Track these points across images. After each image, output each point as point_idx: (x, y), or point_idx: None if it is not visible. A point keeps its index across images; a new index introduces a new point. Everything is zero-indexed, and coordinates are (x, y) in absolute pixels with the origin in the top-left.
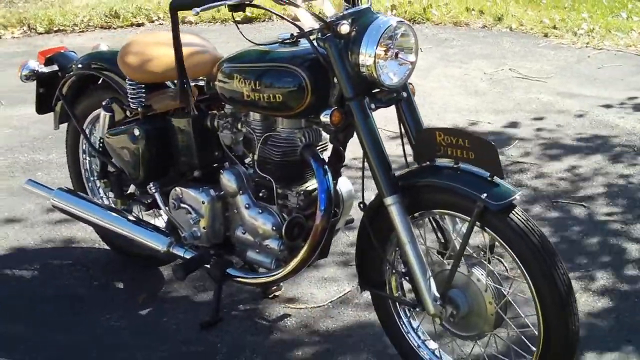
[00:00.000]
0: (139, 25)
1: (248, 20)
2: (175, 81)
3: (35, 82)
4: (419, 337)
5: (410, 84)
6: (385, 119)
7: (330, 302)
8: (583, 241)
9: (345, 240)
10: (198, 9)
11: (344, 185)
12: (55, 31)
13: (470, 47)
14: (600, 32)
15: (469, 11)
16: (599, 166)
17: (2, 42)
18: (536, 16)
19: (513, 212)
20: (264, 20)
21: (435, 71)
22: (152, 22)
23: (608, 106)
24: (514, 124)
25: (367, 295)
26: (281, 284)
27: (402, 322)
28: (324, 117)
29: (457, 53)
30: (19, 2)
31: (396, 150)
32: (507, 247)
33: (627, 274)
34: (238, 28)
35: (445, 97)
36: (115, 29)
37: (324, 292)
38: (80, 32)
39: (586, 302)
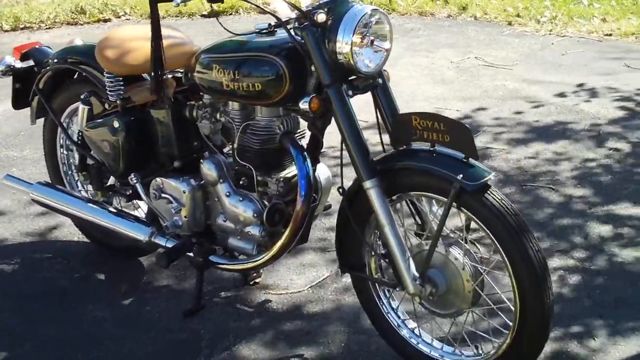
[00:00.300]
0: (105, 21)
1: (215, 14)
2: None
3: (11, 77)
4: (399, 317)
5: (385, 70)
6: (358, 109)
7: (310, 287)
8: (552, 222)
9: (322, 227)
10: (179, 1)
11: (322, 171)
12: (22, 28)
13: (436, 37)
14: (563, 19)
15: (433, 1)
16: (566, 150)
17: None
18: (500, 5)
19: (488, 192)
20: (230, 14)
21: (403, 60)
22: (119, 17)
23: (573, 92)
24: (481, 111)
25: (345, 279)
26: (261, 271)
27: (382, 303)
28: (303, 105)
29: (424, 42)
30: None
31: (372, 138)
32: (483, 226)
33: (596, 254)
34: (217, 20)
35: (413, 86)
36: (82, 24)
37: (303, 277)
38: (47, 29)
39: (558, 281)
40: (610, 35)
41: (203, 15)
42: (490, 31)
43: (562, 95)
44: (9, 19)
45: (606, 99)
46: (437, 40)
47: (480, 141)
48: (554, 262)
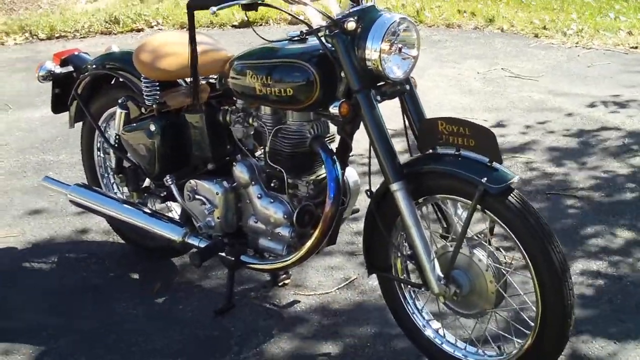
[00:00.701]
0: (138, 30)
1: (245, 25)
2: (188, 79)
3: (50, 83)
4: (424, 318)
5: (412, 77)
6: (387, 117)
7: (337, 288)
8: (576, 229)
9: (350, 231)
10: (215, 8)
11: (351, 175)
12: (57, 37)
13: (463, 48)
14: (589, 32)
15: (460, 13)
16: (590, 160)
17: (5, 49)
18: (526, 17)
19: (511, 195)
20: (261, 24)
21: (430, 71)
22: (152, 27)
23: (598, 103)
24: (507, 121)
25: (372, 282)
26: (290, 272)
27: (407, 303)
28: (333, 109)
29: (451, 54)
30: (19, 9)
31: (400, 145)
32: (506, 228)
33: (618, 260)
34: (252, 27)
35: (440, 96)
36: (115, 34)
37: (331, 279)
38: (81, 37)
39: (581, 286)
40: (636, 47)
41: (234, 26)
42: (517, 43)
43: (587, 106)
44: (44, 27)
45: (631, 111)
46: (464, 51)
47: (506, 150)
48: (577, 267)
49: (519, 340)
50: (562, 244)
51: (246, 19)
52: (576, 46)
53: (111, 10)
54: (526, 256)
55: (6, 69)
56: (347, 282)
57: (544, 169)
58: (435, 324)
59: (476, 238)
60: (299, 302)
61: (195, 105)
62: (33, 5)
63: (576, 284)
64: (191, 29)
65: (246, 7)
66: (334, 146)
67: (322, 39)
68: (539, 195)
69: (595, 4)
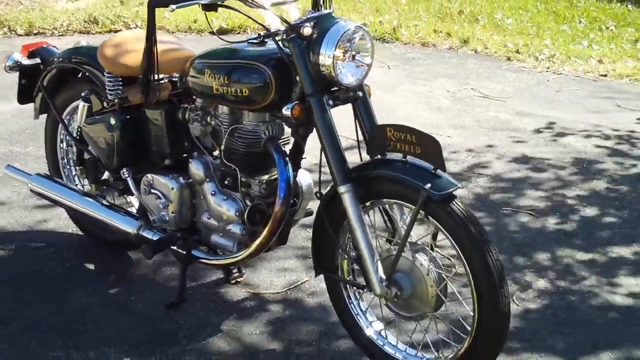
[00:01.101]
0: (116, 31)
1: (223, 32)
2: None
3: (18, 73)
4: (367, 319)
5: (367, 85)
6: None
7: (288, 289)
8: (527, 245)
9: (304, 235)
10: (174, 6)
11: (304, 178)
12: (35, 34)
13: (436, 67)
14: (561, 57)
15: (436, 33)
16: (549, 179)
17: None
18: (501, 41)
19: (453, 202)
20: (238, 32)
21: (402, 87)
22: (129, 28)
23: (562, 126)
24: (471, 138)
25: (322, 284)
26: (243, 271)
27: (352, 304)
28: (286, 111)
29: (424, 72)
30: (0, 4)
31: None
32: (447, 234)
33: (567, 276)
34: (210, 27)
35: (409, 112)
36: (93, 34)
37: (283, 280)
38: (59, 35)
39: (526, 300)
40: (606, 75)
41: (211, 33)
42: (489, 65)
43: (551, 128)
44: (23, 24)
45: (594, 135)
46: (436, 70)
47: (467, 166)
48: (524, 281)
49: (456, 345)
50: (512, 257)
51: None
52: (547, 71)
53: (91, 10)
54: (464, 262)
55: None
56: (298, 283)
57: (502, 186)
58: (378, 326)
59: (419, 243)
60: (250, 300)
61: (149, 102)
62: (14, 1)
63: (522, 298)
64: (150, 26)
65: (206, 8)
66: (288, 148)
67: (279, 42)
68: (494, 210)
69: (570, 32)
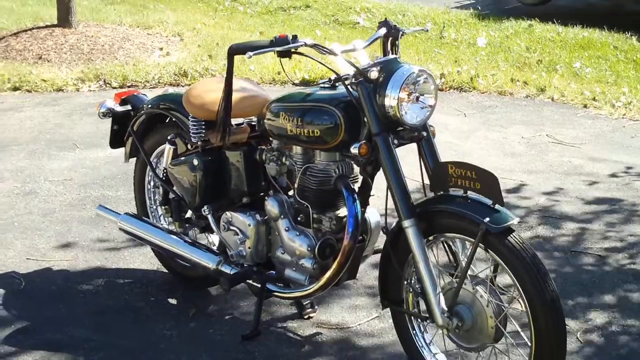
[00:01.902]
0: None
1: (306, 82)
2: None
3: (110, 119)
4: (431, 351)
5: (432, 126)
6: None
7: (359, 324)
8: (595, 286)
9: (374, 274)
10: (251, 53)
11: (373, 215)
12: (129, 86)
13: (512, 114)
14: (638, 105)
15: (514, 82)
16: (618, 223)
17: (79, 95)
18: (578, 88)
19: (511, 235)
20: (317, 83)
21: (477, 134)
22: None
23: (636, 171)
24: (544, 182)
25: (390, 320)
26: (316, 307)
27: (416, 337)
28: (354, 149)
29: (499, 119)
30: (96, 59)
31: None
32: (505, 266)
33: (634, 317)
34: (284, 71)
35: (483, 156)
36: (183, 86)
37: (354, 316)
38: (151, 88)
39: (589, 337)
40: None
41: (294, 84)
42: (565, 112)
43: (624, 173)
44: (118, 77)
45: None
46: (512, 117)
47: (537, 209)
48: (588, 318)
49: None
50: (576, 297)
51: (307, 77)
52: (623, 117)
53: (181, 64)
54: (522, 294)
55: (78, 112)
56: (368, 319)
57: (571, 228)
58: (442, 358)
59: (479, 276)
60: (321, 334)
61: (223, 144)
62: (109, 56)
63: (586, 336)
64: (229, 72)
65: (281, 55)
66: (357, 186)
67: (349, 86)
68: (562, 251)
69: None
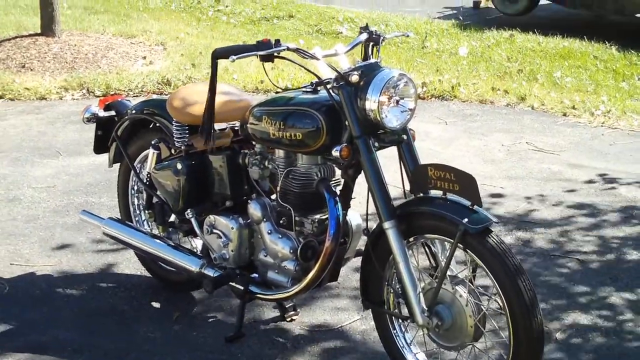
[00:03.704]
0: None
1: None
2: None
3: (94, 125)
4: (412, 351)
5: (412, 129)
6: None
7: (341, 326)
8: (572, 288)
9: (356, 277)
10: (234, 57)
11: (354, 218)
12: (112, 94)
13: (493, 122)
14: (616, 113)
15: (494, 90)
16: (597, 227)
17: (63, 103)
18: (558, 98)
19: (489, 235)
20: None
21: (458, 142)
22: None
23: (614, 177)
24: (523, 188)
25: (372, 322)
26: (298, 310)
27: (397, 337)
28: (335, 152)
29: (480, 127)
30: (80, 68)
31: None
32: (483, 266)
33: (611, 318)
34: (267, 76)
35: (464, 164)
36: (166, 94)
37: (336, 318)
38: (134, 96)
39: (568, 337)
40: None
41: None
42: (545, 120)
43: (602, 179)
44: (101, 85)
45: None
46: (493, 125)
47: (517, 215)
48: (567, 319)
49: None
50: (556, 299)
51: (289, 85)
52: (602, 125)
53: (164, 72)
54: (500, 293)
55: (62, 120)
56: (350, 322)
57: (551, 233)
58: (422, 357)
59: (459, 276)
60: (304, 336)
61: (207, 148)
62: (93, 65)
63: (564, 336)
64: (213, 76)
65: (264, 58)
66: (338, 190)
67: (330, 90)
68: (542, 255)
69: (629, 89)
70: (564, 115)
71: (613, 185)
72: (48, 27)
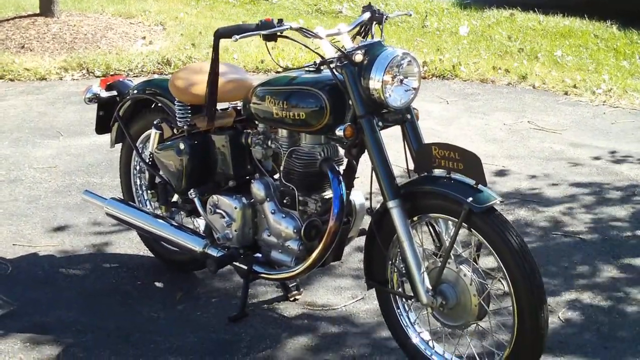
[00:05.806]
0: None
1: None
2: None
3: (96, 105)
4: (415, 330)
5: (415, 108)
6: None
7: (344, 306)
8: (574, 266)
9: (359, 257)
10: (237, 37)
11: (357, 197)
12: (112, 75)
13: (494, 102)
14: (618, 92)
15: (495, 70)
16: (598, 206)
17: (63, 83)
18: (559, 76)
19: (494, 214)
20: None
21: (459, 121)
22: None
23: (615, 156)
24: (525, 168)
25: (375, 302)
26: (301, 289)
27: (401, 316)
28: (339, 132)
29: (481, 106)
30: (79, 49)
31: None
32: (488, 244)
33: (613, 295)
34: (270, 56)
35: (466, 143)
36: (166, 74)
37: (339, 298)
38: (134, 76)
39: (571, 316)
40: None
41: (278, 71)
42: (546, 99)
43: (604, 158)
44: (101, 65)
45: None
46: (494, 104)
47: (520, 194)
48: (569, 297)
49: (499, 352)
50: (558, 277)
51: (290, 65)
52: (603, 104)
53: (164, 52)
54: (505, 272)
55: (62, 101)
56: (353, 301)
57: (552, 211)
58: (426, 336)
59: (463, 255)
60: (307, 315)
61: (210, 127)
62: (92, 45)
63: (568, 315)
64: (215, 56)
65: (266, 38)
66: (342, 169)
67: (334, 69)
68: (544, 234)
69: (629, 67)
70: (565, 94)
71: (615, 164)
72: (47, 7)
